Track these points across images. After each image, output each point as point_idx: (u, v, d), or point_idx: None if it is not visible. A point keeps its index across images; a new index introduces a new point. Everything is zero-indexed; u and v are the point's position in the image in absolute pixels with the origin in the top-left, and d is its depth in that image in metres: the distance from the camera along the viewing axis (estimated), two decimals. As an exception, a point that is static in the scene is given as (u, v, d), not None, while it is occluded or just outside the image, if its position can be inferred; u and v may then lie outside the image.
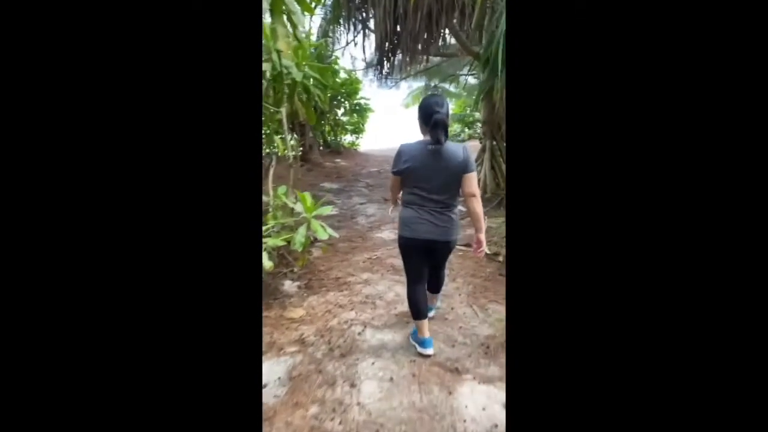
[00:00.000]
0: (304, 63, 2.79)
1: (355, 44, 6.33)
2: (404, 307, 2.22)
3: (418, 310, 1.77)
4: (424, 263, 1.77)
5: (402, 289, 2.45)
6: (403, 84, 9.71)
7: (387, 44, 4.55)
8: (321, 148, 9.43)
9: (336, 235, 2.38)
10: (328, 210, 2.46)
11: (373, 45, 4.96)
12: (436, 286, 1.99)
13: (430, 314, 2.01)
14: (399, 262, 2.52)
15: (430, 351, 1.77)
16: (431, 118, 1.54)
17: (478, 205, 1.61)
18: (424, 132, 1.64)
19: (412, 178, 1.62)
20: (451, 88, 11.02)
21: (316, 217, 2.33)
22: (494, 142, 4.85)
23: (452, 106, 13.54)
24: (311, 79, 2.99)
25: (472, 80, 9.67)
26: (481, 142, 4.97)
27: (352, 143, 10.48)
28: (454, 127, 14.03)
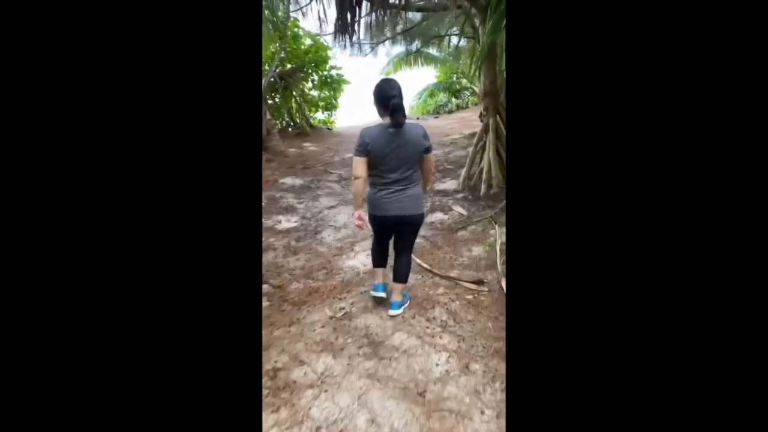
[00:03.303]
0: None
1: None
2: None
3: (375, 260, 2.07)
4: (391, 235, 1.98)
5: (380, 404, 1.41)
6: (381, 49, 8.28)
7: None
8: (290, 129, 8.15)
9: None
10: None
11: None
12: (399, 272, 1.97)
13: (398, 311, 1.97)
14: (379, 325, 1.90)
15: (381, 294, 2.00)
16: (389, 102, 1.63)
17: (430, 181, 2.01)
18: (381, 115, 1.73)
19: (376, 160, 1.70)
20: (435, 51, 9.63)
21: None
22: (498, 118, 3.73)
23: (437, 73, 12.25)
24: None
25: (458, 42, 8.33)
26: (481, 119, 3.84)
27: (325, 121, 9.17)
28: (440, 97, 12.74)
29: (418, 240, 2.88)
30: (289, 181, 4.61)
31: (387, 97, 1.64)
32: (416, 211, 1.79)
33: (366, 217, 1.83)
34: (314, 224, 3.40)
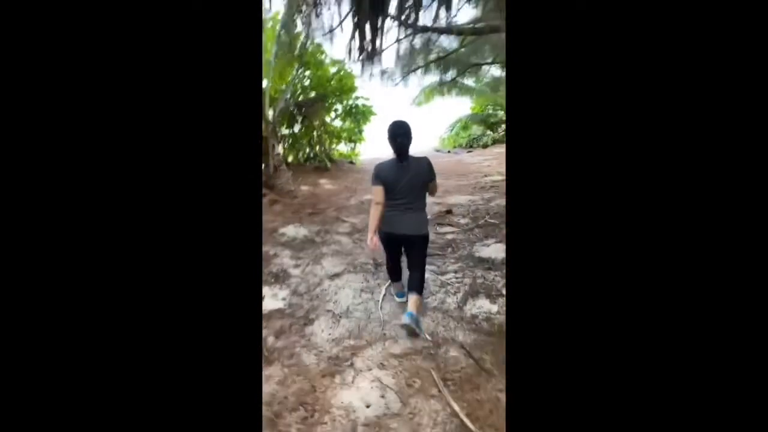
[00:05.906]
0: None
1: (338, 26, 4.27)
2: None
3: (391, 277, 2.41)
4: (400, 253, 2.29)
5: None
6: (412, 78, 7.52)
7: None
8: (308, 163, 7.47)
9: None
10: None
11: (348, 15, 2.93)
12: (412, 285, 2.12)
13: (409, 321, 2.00)
14: None
15: (404, 299, 2.30)
16: (396, 142, 2.02)
17: (434, 193, 2.21)
18: (392, 150, 2.06)
19: (388, 188, 2.04)
20: (471, 82, 8.85)
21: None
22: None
23: (471, 104, 11.51)
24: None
25: (496, 71, 7.47)
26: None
27: (349, 154, 8.45)
28: (473, 129, 11.89)
29: (452, 354, 1.89)
30: (290, 231, 3.75)
31: (395, 136, 2.00)
32: (419, 231, 2.09)
33: (378, 240, 2.10)
34: (307, 306, 2.46)
